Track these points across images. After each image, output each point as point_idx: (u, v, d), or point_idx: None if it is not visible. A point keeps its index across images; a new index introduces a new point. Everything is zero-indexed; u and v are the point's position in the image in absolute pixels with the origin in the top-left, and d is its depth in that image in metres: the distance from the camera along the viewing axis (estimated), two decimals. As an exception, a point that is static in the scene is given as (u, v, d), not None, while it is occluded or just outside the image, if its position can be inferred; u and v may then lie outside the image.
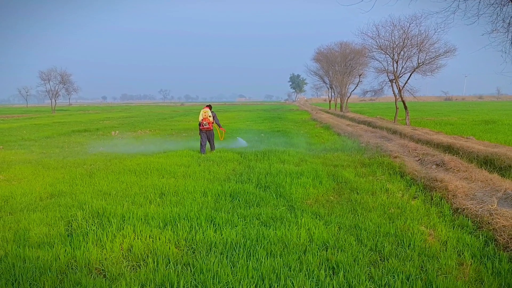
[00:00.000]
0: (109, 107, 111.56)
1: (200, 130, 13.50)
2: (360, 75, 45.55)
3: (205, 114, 13.48)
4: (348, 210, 6.55)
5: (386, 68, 26.72)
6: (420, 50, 24.08)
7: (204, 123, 13.39)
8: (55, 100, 71.86)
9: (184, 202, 6.97)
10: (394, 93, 26.75)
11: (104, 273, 4.39)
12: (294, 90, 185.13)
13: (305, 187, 8.03)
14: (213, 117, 13.69)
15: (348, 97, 51.01)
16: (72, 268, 4.46)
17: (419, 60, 24.30)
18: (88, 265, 4.52)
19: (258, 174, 9.36)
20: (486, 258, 4.66)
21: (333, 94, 60.01)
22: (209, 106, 13.96)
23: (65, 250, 4.84)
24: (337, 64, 50.59)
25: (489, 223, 5.56)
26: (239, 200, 7.15)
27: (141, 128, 26.76)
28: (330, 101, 64.22)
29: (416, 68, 24.45)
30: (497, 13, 11.15)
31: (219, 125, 14.10)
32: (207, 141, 13.60)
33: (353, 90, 50.45)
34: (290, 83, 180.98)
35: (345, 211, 6.48)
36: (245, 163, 11.04)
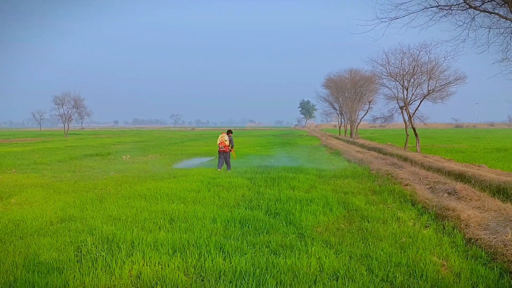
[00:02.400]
0: (121, 131, 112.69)
1: (219, 151, 15.82)
2: (370, 102, 45.65)
3: (222, 138, 15.83)
4: (359, 238, 6.47)
5: (396, 95, 26.73)
6: (430, 77, 24.09)
7: (221, 146, 15.74)
8: (68, 124, 72.84)
9: (193, 229, 6.94)
10: (404, 120, 26.67)
11: (112, 300, 4.36)
12: (303, 116, 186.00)
13: (315, 214, 7.96)
14: (230, 141, 15.94)
15: (358, 123, 50.99)
16: (80, 295, 4.44)
17: (429, 87, 24.28)
18: (97, 292, 4.49)
19: (267, 200, 9.32)
20: (501, 291, 4.54)
21: (343, 120, 60.11)
22: (229, 132, 16.54)
23: (74, 276, 4.82)
24: (347, 91, 50.80)
25: (503, 254, 5.44)
26: (248, 227, 7.10)
27: (151, 152, 26.91)
28: (340, 127, 64.30)
29: (426, 95, 24.41)
30: (507, 42, 11.20)
31: (231, 148, 16.12)
32: (224, 161, 15.76)
33: (363, 117, 50.47)
34: (300, 108, 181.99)
35: (355, 239, 6.40)
36: (255, 189, 11.00)
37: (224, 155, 15.73)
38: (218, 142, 15.92)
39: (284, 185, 11.46)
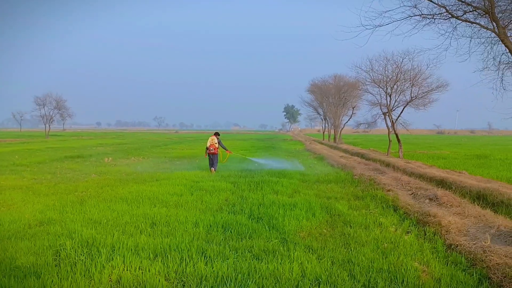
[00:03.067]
0: (103, 133, 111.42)
1: (208, 154, 16.49)
2: (353, 107, 46.02)
3: (212, 141, 16.48)
4: (341, 244, 6.49)
5: (380, 101, 27.01)
6: (413, 84, 24.42)
7: (211, 148, 16.38)
8: (49, 125, 71.72)
9: (175, 233, 6.88)
10: (387, 125, 26.95)
11: (91, 306, 4.28)
12: (288, 120, 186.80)
13: (298, 219, 7.97)
14: (219, 143, 16.71)
15: (342, 129, 51.33)
16: (58, 300, 4.35)
17: (412, 94, 24.59)
18: (75, 297, 4.41)
19: (251, 205, 9.30)
20: (480, 297, 4.60)
21: (326, 125, 60.44)
22: (217, 134, 17.22)
23: (52, 281, 4.73)
24: (331, 96, 51.15)
25: (482, 260, 5.52)
26: (231, 231, 7.07)
27: (134, 155, 26.66)
28: (323, 132, 64.61)
29: (409, 102, 24.72)
30: (488, 52, 11.43)
31: (225, 149, 17.28)
32: (212, 163, 16.46)
33: (346, 122, 50.83)
34: (285, 113, 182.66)
35: (338, 245, 6.41)
36: (238, 193, 10.97)
37: (213, 157, 16.48)
38: (208, 144, 16.48)
39: (268, 190, 11.45)
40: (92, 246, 6.07)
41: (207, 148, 16.54)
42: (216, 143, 16.52)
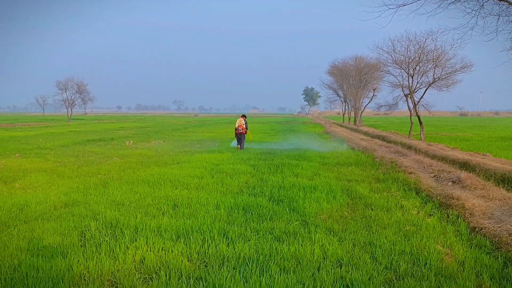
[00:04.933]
0: (124, 117, 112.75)
1: (236, 134, 18.65)
2: (374, 89, 45.41)
3: (240, 122, 18.60)
4: (362, 226, 6.46)
5: (401, 82, 26.60)
6: (436, 65, 23.94)
7: (239, 129, 18.48)
8: (71, 109, 72.95)
9: (197, 215, 6.95)
10: (409, 107, 26.56)
11: (116, 285, 4.38)
12: (307, 103, 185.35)
13: (319, 201, 7.96)
14: (245, 124, 18.71)
15: (362, 111, 50.83)
16: (84, 279, 4.46)
17: (435, 75, 24.15)
18: (101, 276, 4.51)
19: (271, 187, 9.32)
20: (505, 280, 4.53)
21: (347, 107, 59.92)
22: (244, 116, 19.27)
23: (78, 261, 4.85)
24: (352, 78, 50.57)
25: (508, 243, 5.43)
26: (252, 213, 7.11)
27: (155, 138, 26.93)
28: (343, 115, 64.09)
29: (432, 83, 24.29)
30: (517, 30, 11.05)
31: (247, 129, 18.96)
32: (239, 141, 18.55)
33: (367, 104, 50.30)
34: (304, 96, 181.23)
35: (359, 227, 6.39)
36: (258, 176, 11.00)
37: (241, 136, 18.51)
38: (237, 125, 18.53)
39: (288, 172, 11.45)
40: (115, 227, 6.19)
41: (236, 129, 18.59)
42: (243, 124, 18.52)
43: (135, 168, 12.56)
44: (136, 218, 6.66)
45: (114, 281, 4.44)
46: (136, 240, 5.58)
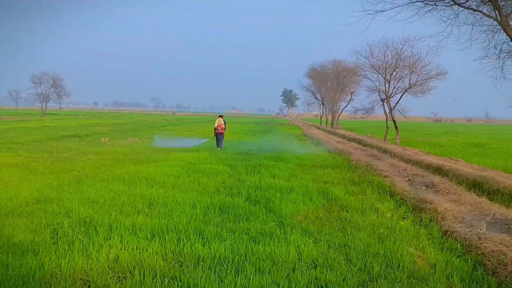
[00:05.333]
0: (100, 113, 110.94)
1: (215, 133, 19.05)
2: (352, 93, 46.04)
3: (219, 122, 19.00)
4: (337, 228, 6.52)
5: (378, 87, 27.04)
6: (412, 71, 24.41)
7: (219, 129, 18.94)
8: (46, 104, 71.29)
9: (172, 214, 6.89)
10: (385, 112, 26.97)
11: (88, 283, 4.30)
12: (286, 105, 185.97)
13: (295, 203, 8.00)
14: (224, 123, 19.22)
15: (339, 114, 51.42)
16: (56, 278, 4.36)
17: (411, 81, 24.61)
18: (73, 275, 4.42)
19: (248, 188, 9.32)
20: (475, 283, 4.65)
21: (324, 110, 60.49)
22: (221, 116, 19.59)
23: (50, 259, 4.74)
24: (330, 81, 51.15)
25: (477, 247, 5.57)
26: (228, 213, 7.09)
27: (131, 135, 26.61)
28: (321, 117, 64.71)
29: (408, 89, 24.74)
30: (489, 40, 11.36)
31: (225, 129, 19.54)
32: (218, 141, 18.96)
33: (344, 108, 50.91)
34: (283, 97, 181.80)
35: (334, 229, 6.45)
36: (235, 176, 10.99)
37: (219, 136, 18.99)
38: (216, 125, 19.02)
39: (265, 173, 11.48)
40: (89, 225, 6.08)
41: (215, 129, 19.01)
42: (222, 124, 19.02)
43: (110, 165, 12.37)
44: (110, 216, 6.55)
45: (87, 280, 4.36)
46: (110, 238, 5.50)
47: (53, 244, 5.29)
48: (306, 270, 4.76)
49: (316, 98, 61.95)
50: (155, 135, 28.30)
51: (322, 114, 63.03)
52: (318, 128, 51.09)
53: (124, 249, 5.14)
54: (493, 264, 5.03)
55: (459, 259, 5.32)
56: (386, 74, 25.67)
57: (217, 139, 19.08)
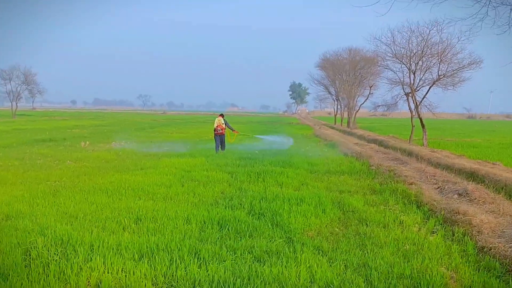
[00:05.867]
0: (79, 113, 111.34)
1: (215, 134, 19.11)
2: (371, 87, 45.86)
3: (219, 122, 19.06)
4: (356, 245, 6.51)
5: (402, 79, 26.90)
6: (441, 60, 24.24)
7: (219, 129, 19.02)
8: (16, 103, 71.47)
9: (163, 230, 6.90)
10: (410, 108, 26.88)
11: (66, 313, 4.30)
12: (294, 101, 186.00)
13: (306, 216, 7.99)
14: (225, 123, 19.30)
15: (357, 111, 51.27)
16: (28, 307, 4.37)
17: (440, 71, 24.45)
18: (48, 303, 4.42)
19: (251, 198, 9.32)
20: (517, 308, 4.62)
21: (339, 107, 60.38)
22: (222, 115, 19.76)
23: (22, 284, 4.75)
24: (345, 73, 51.04)
25: (520, 266, 5.53)
26: (228, 229, 7.09)
27: (115, 139, 26.66)
28: (335, 115, 64.57)
29: (436, 80, 24.59)
30: (532, 22, 11.28)
31: (232, 129, 20.26)
32: (220, 143, 19.15)
33: (362, 103, 50.84)
34: (290, 92, 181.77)
35: (352, 246, 6.43)
36: (236, 185, 11.00)
37: (221, 137, 19.18)
38: (216, 125, 19.10)
39: (271, 181, 11.48)
40: (67, 244, 6.09)
41: (214, 129, 19.09)
42: (223, 124, 19.12)
43: (91, 174, 12.41)
44: (91, 233, 6.56)
45: (64, 309, 4.36)
46: (91, 259, 5.50)
47: (25, 267, 5.30)
48: (319, 294, 4.75)
49: (330, 93, 61.77)
50: (144, 138, 28.36)
51: (337, 111, 62.94)
52: (332, 128, 51.11)
53: (108, 272, 5.14)
54: (538, 286, 4.99)
55: (498, 280, 5.29)
56: (410, 64, 25.56)
57: (217, 142, 19.13)
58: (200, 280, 5.02)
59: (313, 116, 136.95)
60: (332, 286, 4.97)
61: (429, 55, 24.80)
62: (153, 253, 5.79)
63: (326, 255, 5.99)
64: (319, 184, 11.42)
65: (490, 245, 6.41)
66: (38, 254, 5.70)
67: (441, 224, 7.84)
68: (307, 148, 22.55)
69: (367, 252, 6.16)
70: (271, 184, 11.08)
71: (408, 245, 6.51)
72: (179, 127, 46.50)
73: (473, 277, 5.34)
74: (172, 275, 5.16)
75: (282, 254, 5.95)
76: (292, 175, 12.55)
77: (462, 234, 7.08)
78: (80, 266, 5.29)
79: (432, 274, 5.34)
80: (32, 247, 5.93)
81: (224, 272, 5.20)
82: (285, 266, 5.45)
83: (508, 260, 5.83)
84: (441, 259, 5.98)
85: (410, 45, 25.43)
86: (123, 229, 6.99)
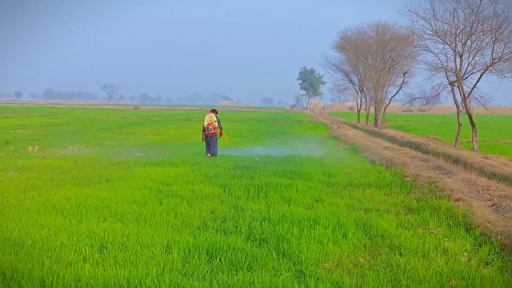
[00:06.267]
0: (25, 109, 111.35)
1: (206, 135, 19.50)
2: (404, 74, 45.88)
3: (210, 119, 19.45)
4: (386, 280, 6.49)
5: (445, 64, 26.86)
6: (495, 39, 24.21)
7: (210, 128, 19.36)
8: None
9: (136, 261, 6.89)
10: (455, 102, 26.87)
11: None
12: (305, 92, 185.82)
13: (322, 242, 7.98)
14: (218, 122, 19.65)
15: (387, 106, 51.28)
16: None
17: (495, 54, 24.42)
18: None
19: (250, 219, 9.31)
20: None
21: (363, 100, 60.35)
22: (214, 111, 20.25)
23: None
24: (371, 56, 51.06)
25: None
26: (220, 260, 7.08)
27: (73, 142, 26.65)
28: (359, 111, 64.51)
29: (490, 65, 24.56)
30: None
31: (221, 129, 20.14)
32: (210, 146, 19.54)
33: (393, 96, 50.95)
34: (300, 81, 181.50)
35: (382, 282, 6.42)
36: (231, 202, 11.00)
37: (212, 139, 19.54)
38: (206, 124, 19.52)
39: (275, 197, 11.47)
40: (10, 280, 6.08)
41: (204, 129, 19.63)
42: (215, 121, 19.61)
43: (42, 188, 12.38)
44: (42, 266, 6.55)
45: None
46: (42, 300, 5.49)
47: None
48: None
49: (351, 82, 61.78)
50: (110, 141, 28.35)
51: (361, 105, 62.97)
52: (355, 127, 51.00)
53: (64, 317, 5.13)
54: None
55: None
56: (456, 44, 25.52)
57: (208, 144, 19.40)
58: (184, 326, 5.01)
59: (330, 112, 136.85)
60: (356, 334, 4.96)
61: (481, 33, 24.75)
62: (122, 292, 5.79)
63: (348, 294, 5.99)
64: (339, 201, 11.40)
65: (562, 280, 6.40)
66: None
67: (497, 253, 7.81)
68: (323, 154, 22.57)
69: (402, 290, 6.15)
70: (276, 201, 11.07)
71: (454, 280, 6.50)
72: (155, 126, 46.55)
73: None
74: (148, 321, 5.15)
75: (290, 292, 5.95)
76: (303, 189, 12.53)
77: (525, 266, 7.08)
78: (27, 309, 5.28)
79: (487, 318, 5.33)
80: (-35, 285, 5.94)
81: (216, 317, 5.20)
82: (295, 309, 5.45)
83: None
84: (498, 298, 5.98)
85: (456, 20, 25.41)
86: (83, 260, 6.96)
